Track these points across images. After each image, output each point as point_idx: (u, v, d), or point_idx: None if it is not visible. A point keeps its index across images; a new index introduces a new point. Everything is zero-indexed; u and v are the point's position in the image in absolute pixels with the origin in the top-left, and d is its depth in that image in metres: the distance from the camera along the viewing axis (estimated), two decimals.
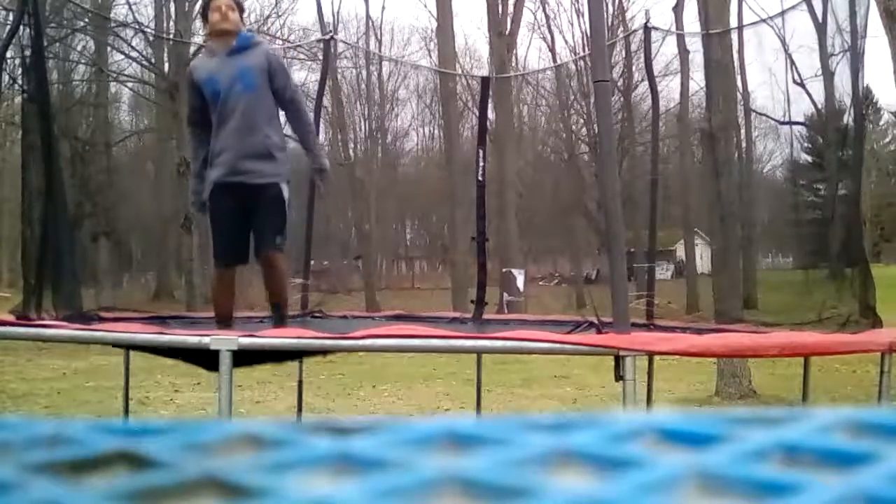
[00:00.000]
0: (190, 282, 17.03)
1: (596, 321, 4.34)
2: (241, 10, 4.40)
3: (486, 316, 6.33)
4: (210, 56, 4.31)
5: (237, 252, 4.28)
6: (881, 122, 37.93)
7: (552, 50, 27.62)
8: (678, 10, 20.58)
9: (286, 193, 4.27)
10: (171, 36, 20.45)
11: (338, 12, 25.83)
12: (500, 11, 22.38)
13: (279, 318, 4.20)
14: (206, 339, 2.97)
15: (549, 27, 27.41)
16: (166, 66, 19.73)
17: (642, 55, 16.11)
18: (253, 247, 4.24)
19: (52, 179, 4.55)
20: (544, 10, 27.22)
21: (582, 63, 21.70)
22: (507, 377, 9.65)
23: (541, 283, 31.45)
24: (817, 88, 6.23)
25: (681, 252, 30.39)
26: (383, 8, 45.17)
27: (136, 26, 19.33)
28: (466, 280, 15.83)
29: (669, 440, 0.38)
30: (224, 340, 2.93)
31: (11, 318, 3.84)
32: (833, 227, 5.21)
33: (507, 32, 22.00)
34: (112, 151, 19.79)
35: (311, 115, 4.61)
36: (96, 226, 16.56)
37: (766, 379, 9.51)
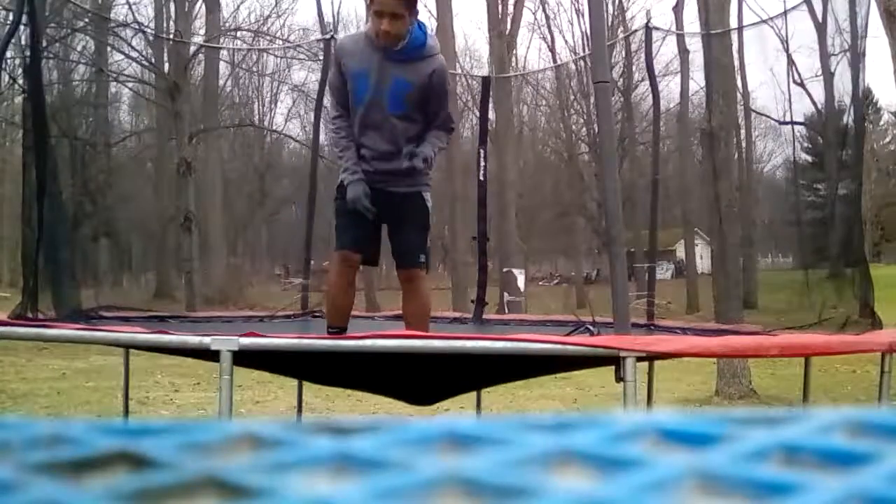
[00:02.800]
0: (190, 282, 17.04)
1: (591, 325, 4.32)
2: (412, 6, 3.56)
3: (486, 316, 6.32)
4: (367, 45, 3.63)
5: (368, 248, 3.84)
6: (881, 122, 37.96)
7: (552, 50, 27.69)
8: (678, 10, 20.62)
9: (430, 202, 3.86)
10: (171, 36, 20.45)
11: (338, 12, 25.81)
12: (500, 11, 22.37)
13: None
14: (206, 340, 2.96)
15: (549, 27, 27.49)
16: (166, 66, 19.73)
17: (642, 55, 16.14)
18: (395, 262, 3.85)
19: (52, 179, 4.54)
20: (544, 10, 27.29)
21: (582, 63, 21.71)
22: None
23: (541, 283, 31.50)
24: (817, 88, 6.23)
25: (681, 252, 30.42)
26: None
27: (136, 26, 19.34)
28: (466, 280, 15.83)
29: (669, 440, 0.38)
30: (224, 341, 2.93)
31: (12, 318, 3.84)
32: (833, 227, 5.21)
33: (507, 32, 21.99)
34: (112, 151, 19.79)
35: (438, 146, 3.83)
36: (96, 226, 16.57)
37: (766, 379, 9.52)
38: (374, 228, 3.81)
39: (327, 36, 6.62)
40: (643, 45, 10.53)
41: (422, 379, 4.03)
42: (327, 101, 4.59)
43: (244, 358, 3.10)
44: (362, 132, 3.70)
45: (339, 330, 3.78)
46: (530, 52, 43.20)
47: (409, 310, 3.83)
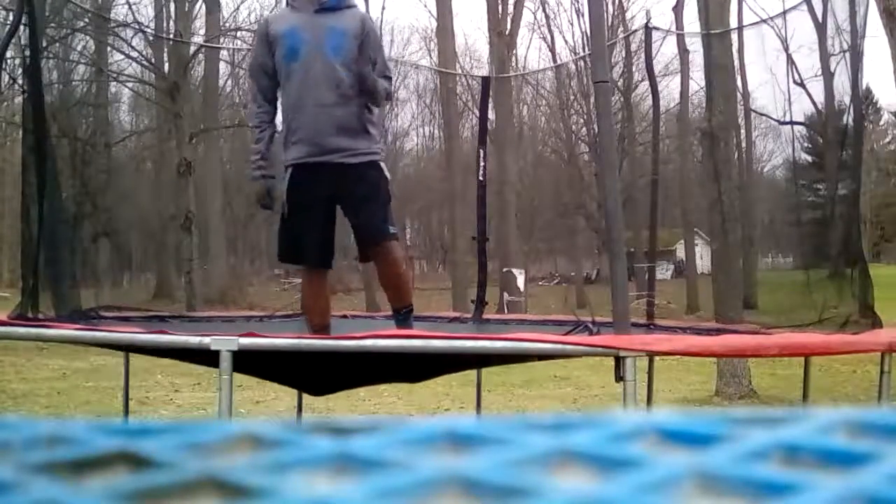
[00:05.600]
0: (190, 282, 17.04)
1: (590, 324, 4.32)
2: None
3: (486, 316, 6.32)
4: (293, 10, 3.65)
5: (329, 248, 3.72)
6: (881, 122, 37.98)
7: (552, 50, 27.72)
8: (678, 10, 20.60)
9: (387, 172, 3.72)
10: (171, 36, 20.44)
11: None
12: (500, 11, 22.39)
13: (408, 326, 3.64)
14: (206, 340, 2.96)
15: (549, 27, 27.52)
16: (166, 66, 19.73)
17: (642, 55, 16.12)
18: (357, 241, 3.71)
19: (52, 179, 4.54)
20: (544, 10, 27.31)
21: (582, 63, 21.70)
22: (507, 377, 9.65)
23: (541, 283, 31.48)
24: (817, 88, 6.24)
25: (681, 252, 30.42)
26: (383, 8, 45.01)
27: (136, 26, 19.33)
28: (466, 280, 15.84)
29: (669, 440, 0.38)
30: (224, 341, 2.93)
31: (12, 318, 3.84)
32: (832, 226, 5.21)
33: (507, 32, 22.00)
34: (112, 151, 19.79)
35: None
36: (96, 226, 16.57)
37: (766, 379, 9.52)
38: (329, 222, 3.67)
39: None
40: (643, 45, 10.53)
41: (418, 367, 4.02)
42: None
43: (243, 361, 3.10)
44: (304, 89, 3.54)
45: (321, 329, 3.72)
46: (530, 52, 43.18)
47: (395, 285, 3.74)
